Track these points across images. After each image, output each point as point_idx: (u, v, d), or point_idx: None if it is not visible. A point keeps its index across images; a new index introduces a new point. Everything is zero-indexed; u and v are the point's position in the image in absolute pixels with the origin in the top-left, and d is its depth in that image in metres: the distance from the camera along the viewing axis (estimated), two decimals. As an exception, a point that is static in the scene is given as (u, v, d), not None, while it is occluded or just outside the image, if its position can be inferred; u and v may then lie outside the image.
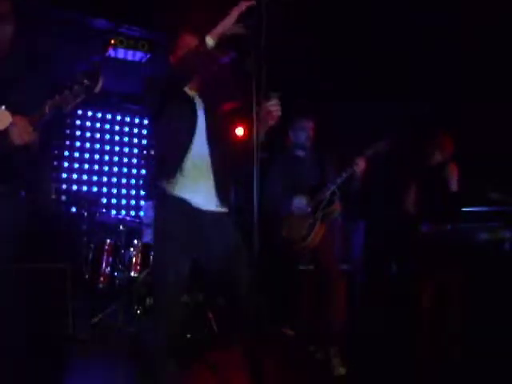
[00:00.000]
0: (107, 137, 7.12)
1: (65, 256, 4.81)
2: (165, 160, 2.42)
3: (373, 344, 4.19)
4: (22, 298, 3.46)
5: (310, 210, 3.68)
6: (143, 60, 5.34)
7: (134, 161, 7.30)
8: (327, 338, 3.69)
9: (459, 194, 3.85)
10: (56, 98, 1.97)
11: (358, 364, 3.63)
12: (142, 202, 7.14)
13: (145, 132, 7.35)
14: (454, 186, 3.86)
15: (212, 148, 2.46)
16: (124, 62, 5.37)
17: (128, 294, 4.47)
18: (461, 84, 4.79)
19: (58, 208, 6.59)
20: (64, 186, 6.73)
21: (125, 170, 7.23)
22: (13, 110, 2.06)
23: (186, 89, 2.47)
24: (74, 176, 6.83)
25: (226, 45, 2.25)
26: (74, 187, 6.81)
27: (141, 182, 7.30)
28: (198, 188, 2.40)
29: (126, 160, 7.24)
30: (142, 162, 7.32)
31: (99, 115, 7.06)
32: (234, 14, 2.18)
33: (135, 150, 7.31)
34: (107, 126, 7.13)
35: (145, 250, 4.80)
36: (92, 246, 4.99)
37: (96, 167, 7.01)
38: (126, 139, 7.26)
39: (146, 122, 7.28)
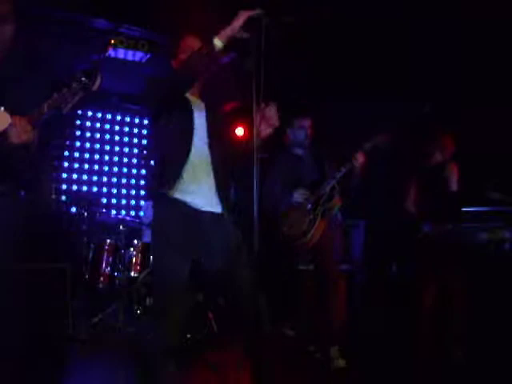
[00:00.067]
0: (107, 137, 7.12)
1: (65, 256, 4.81)
2: (164, 163, 2.42)
3: (373, 344, 4.19)
4: (21, 297, 3.46)
5: (309, 205, 3.68)
6: (143, 60, 5.34)
7: (134, 161, 7.29)
8: (327, 337, 3.69)
9: (460, 194, 3.85)
10: (54, 96, 1.97)
11: (358, 364, 3.63)
12: (142, 202, 7.14)
13: (145, 132, 7.35)
14: (454, 185, 3.86)
15: (213, 149, 2.46)
16: (124, 61, 5.37)
17: (128, 294, 4.47)
18: (461, 84, 4.79)
19: (58, 208, 6.59)
20: (64, 186, 6.73)
21: (125, 169, 7.22)
22: (12, 110, 2.06)
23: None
24: (74, 176, 6.83)
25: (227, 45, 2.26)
26: (74, 187, 6.81)
27: (141, 181, 7.30)
28: (198, 189, 2.39)
29: (125, 160, 7.24)
30: (142, 161, 7.32)
31: (99, 115, 7.06)
32: (243, 16, 2.18)
33: (135, 150, 7.31)
34: (107, 126, 7.13)
35: (145, 250, 4.80)
36: (92, 245, 4.99)
37: (96, 167, 7.01)
38: (126, 139, 7.26)
39: (145, 122, 7.28)
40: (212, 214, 2.42)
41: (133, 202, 7.23)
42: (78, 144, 6.90)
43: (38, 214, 5.61)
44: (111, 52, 5.12)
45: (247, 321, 2.29)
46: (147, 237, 5.05)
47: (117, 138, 7.18)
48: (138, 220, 5.43)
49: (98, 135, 7.05)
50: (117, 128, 7.19)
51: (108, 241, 4.95)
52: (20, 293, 3.45)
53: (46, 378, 3.12)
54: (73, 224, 5.97)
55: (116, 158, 7.17)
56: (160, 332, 2.33)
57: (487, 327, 3.90)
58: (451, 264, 3.81)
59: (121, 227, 4.84)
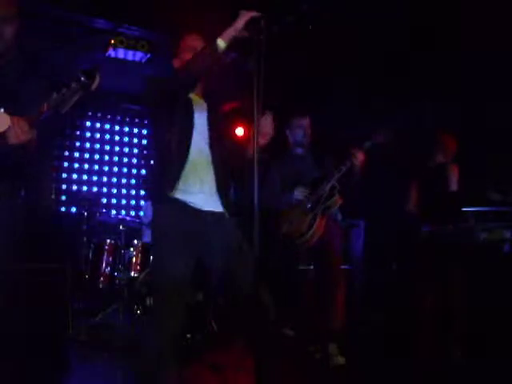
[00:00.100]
0: (107, 137, 7.12)
1: (65, 256, 4.81)
2: (164, 163, 2.42)
3: (373, 344, 4.20)
4: (21, 297, 3.46)
5: (309, 205, 3.69)
6: (143, 60, 5.34)
7: (134, 161, 7.30)
8: (326, 334, 3.70)
9: (460, 194, 3.85)
10: (54, 96, 1.97)
11: (358, 364, 3.63)
12: (142, 202, 7.15)
13: (145, 132, 7.35)
14: (454, 186, 3.86)
15: (214, 149, 2.46)
16: (124, 61, 5.37)
17: (128, 294, 4.47)
18: (461, 84, 4.79)
19: (57, 208, 6.59)
20: (64, 186, 6.73)
21: (125, 169, 7.23)
22: (12, 111, 2.06)
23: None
24: (74, 176, 6.83)
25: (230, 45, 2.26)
26: (74, 187, 6.81)
27: (141, 181, 7.30)
28: (198, 189, 2.39)
29: (125, 160, 7.24)
30: (142, 161, 7.32)
31: (99, 115, 7.06)
32: (245, 17, 2.18)
33: (135, 150, 7.31)
34: (107, 126, 7.13)
35: (145, 250, 4.80)
36: (92, 246, 4.99)
37: (96, 167, 7.01)
38: (126, 139, 7.26)
39: (145, 122, 7.28)
40: (213, 213, 2.41)
41: (133, 202, 7.24)
42: (77, 144, 6.90)
43: (38, 213, 5.62)
44: (111, 52, 5.12)
45: (248, 320, 2.29)
46: (147, 237, 5.05)
47: (117, 137, 7.18)
48: (138, 220, 5.43)
49: (97, 135, 7.05)
50: (117, 128, 7.19)
51: (108, 241, 4.95)
52: (20, 293, 3.46)
53: (46, 377, 3.12)
54: (73, 224, 5.98)
55: (116, 158, 7.17)
56: (160, 332, 2.33)
57: (487, 327, 3.90)
58: (451, 264, 3.81)
59: (121, 227, 4.84)
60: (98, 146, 7.05)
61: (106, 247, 4.92)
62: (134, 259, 4.79)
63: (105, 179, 7.06)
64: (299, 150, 3.95)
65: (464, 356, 3.69)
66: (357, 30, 4.60)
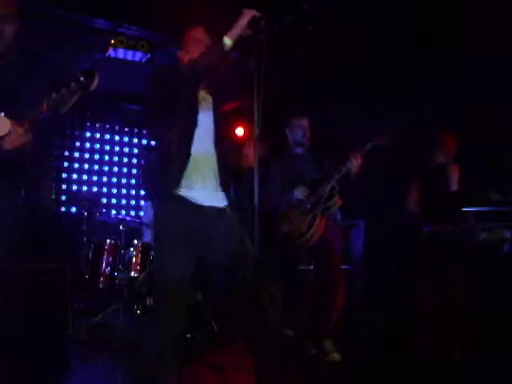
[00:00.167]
0: (107, 137, 7.11)
1: (65, 256, 4.81)
2: (165, 163, 2.42)
3: (373, 344, 4.19)
4: (21, 297, 3.46)
5: (309, 205, 3.69)
6: (143, 60, 5.34)
7: (134, 161, 7.30)
8: (322, 331, 3.71)
9: (460, 194, 3.85)
10: (53, 96, 1.98)
11: (358, 364, 3.63)
12: (142, 202, 7.15)
13: (145, 132, 7.35)
14: (454, 186, 3.86)
15: (219, 147, 2.48)
16: (124, 61, 5.37)
17: (128, 294, 4.47)
18: (461, 84, 4.79)
19: (57, 208, 6.59)
20: (64, 186, 6.73)
21: (125, 169, 7.23)
22: (12, 113, 2.07)
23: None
24: (74, 176, 6.83)
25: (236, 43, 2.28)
26: (74, 187, 6.81)
27: (140, 182, 7.30)
28: (201, 186, 2.40)
29: (125, 160, 7.24)
30: (142, 161, 7.32)
31: (99, 115, 7.05)
32: (248, 15, 2.21)
33: (135, 150, 7.31)
34: (107, 126, 7.13)
35: (145, 250, 4.80)
36: (92, 245, 4.99)
37: (96, 167, 7.01)
38: (125, 139, 7.26)
39: (145, 121, 7.27)
40: (215, 208, 2.43)
41: (133, 202, 7.24)
42: (77, 144, 6.90)
43: (38, 213, 5.62)
44: (111, 52, 5.11)
45: (247, 315, 2.29)
46: (147, 237, 5.05)
47: (117, 137, 7.18)
48: (138, 220, 5.43)
49: (97, 135, 7.05)
50: (116, 128, 7.19)
51: (108, 241, 4.95)
52: (20, 293, 3.46)
53: (46, 377, 3.12)
54: (73, 224, 5.98)
55: (116, 158, 7.17)
56: (160, 332, 2.33)
57: (487, 327, 3.90)
58: (451, 264, 3.81)
59: (121, 227, 4.84)
60: (97, 145, 7.05)
61: (106, 247, 4.92)
62: (134, 259, 4.79)
63: (105, 179, 7.06)
64: (299, 150, 3.97)
65: (464, 356, 3.69)
66: (357, 30, 4.60)
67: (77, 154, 6.89)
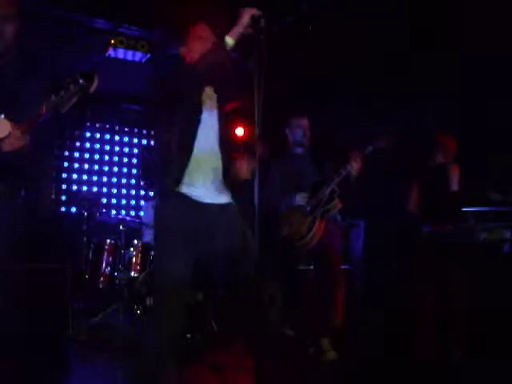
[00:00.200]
0: (107, 137, 7.11)
1: (65, 256, 4.81)
2: (165, 163, 2.42)
3: (373, 344, 4.19)
4: (21, 297, 3.46)
5: (309, 208, 3.70)
6: (143, 60, 5.34)
7: (134, 161, 7.29)
8: (320, 329, 3.71)
9: (461, 194, 3.85)
10: (52, 98, 1.98)
11: (358, 364, 3.63)
12: (142, 202, 7.14)
13: (145, 132, 7.35)
14: (455, 186, 3.86)
15: (223, 143, 2.49)
16: (124, 61, 5.37)
17: (128, 294, 4.47)
18: (461, 84, 4.79)
19: (57, 208, 6.59)
20: (64, 186, 6.73)
21: (125, 169, 7.22)
22: (12, 114, 2.07)
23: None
24: (74, 176, 6.83)
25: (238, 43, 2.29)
26: (74, 187, 6.81)
27: (141, 181, 7.29)
28: (202, 184, 2.40)
29: (125, 160, 7.24)
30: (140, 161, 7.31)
31: (99, 115, 7.05)
32: (248, 13, 2.21)
33: (135, 150, 7.31)
34: (107, 126, 7.13)
35: (145, 250, 4.80)
36: (92, 245, 4.99)
37: (96, 167, 7.01)
38: (125, 139, 7.26)
39: (145, 121, 7.27)
40: (217, 205, 2.43)
41: (133, 202, 7.24)
42: (77, 144, 6.90)
43: (38, 213, 5.62)
44: (111, 52, 5.12)
45: (248, 311, 2.29)
46: (147, 237, 5.05)
47: (117, 137, 7.18)
48: (138, 220, 5.43)
49: (97, 135, 7.05)
50: (116, 128, 7.18)
51: (108, 241, 4.95)
52: (20, 293, 3.46)
53: (46, 378, 3.12)
54: (73, 224, 5.98)
55: (116, 158, 7.17)
56: (160, 332, 2.33)
57: (487, 327, 3.90)
58: (451, 264, 3.81)
59: (121, 227, 4.84)
60: (97, 145, 7.05)
61: (106, 247, 4.92)
62: (133, 259, 4.79)
63: (105, 179, 7.06)
64: (299, 150, 3.97)
65: (464, 356, 3.68)
66: (357, 30, 4.60)
67: (77, 154, 6.89)
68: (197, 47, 2.46)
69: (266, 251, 2.19)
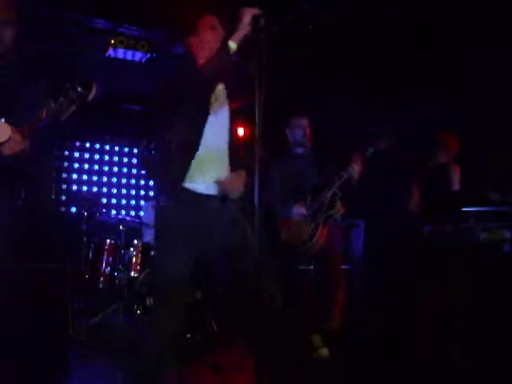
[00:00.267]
0: (107, 137, 7.11)
1: (65, 256, 4.81)
2: (165, 163, 2.42)
3: (373, 344, 4.19)
4: (21, 297, 3.46)
5: (311, 213, 3.68)
6: (143, 60, 5.34)
7: (134, 161, 7.29)
8: (313, 326, 3.71)
9: (461, 194, 3.85)
10: (52, 105, 2.00)
11: (358, 364, 3.63)
12: (142, 202, 7.14)
13: (145, 132, 7.33)
14: (456, 186, 3.86)
15: (230, 141, 2.51)
16: (124, 61, 5.37)
17: (128, 294, 4.47)
18: (461, 84, 4.79)
19: (57, 208, 6.59)
20: (64, 186, 6.73)
21: (125, 169, 7.22)
22: (12, 116, 2.08)
23: None
24: (74, 176, 6.83)
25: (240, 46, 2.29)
26: (74, 187, 6.81)
27: (141, 181, 7.30)
28: (202, 180, 2.40)
29: (125, 160, 7.24)
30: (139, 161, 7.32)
31: (99, 115, 7.04)
32: (248, 14, 2.21)
33: (135, 150, 7.31)
34: (107, 126, 7.12)
35: (145, 250, 4.80)
36: (92, 245, 4.99)
37: (96, 167, 7.01)
38: (125, 139, 7.25)
39: (145, 121, 7.26)
40: (218, 199, 2.43)
41: (133, 202, 7.24)
42: (77, 144, 6.90)
43: (38, 213, 5.62)
44: (111, 52, 5.11)
45: (248, 309, 2.29)
46: (147, 237, 5.05)
47: (117, 137, 7.17)
48: (138, 220, 5.43)
49: (97, 135, 7.04)
50: (116, 128, 7.18)
51: (108, 241, 4.95)
52: (20, 293, 3.46)
53: (46, 377, 3.12)
54: (73, 224, 5.97)
55: (116, 158, 7.17)
56: (160, 332, 2.34)
57: (487, 327, 3.90)
58: (451, 264, 3.81)
59: (121, 227, 4.84)
60: (97, 145, 7.04)
61: (106, 247, 4.92)
62: (133, 259, 4.79)
63: (105, 179, 7.06)
64: (299, 150, 3.96)
65: (464, 356, 3.68)
66: (357, 30, 4.60)
67: (77, 154, 6.89)
68: (208, 36, 2.46)
69: (266, 251, 2.19)
